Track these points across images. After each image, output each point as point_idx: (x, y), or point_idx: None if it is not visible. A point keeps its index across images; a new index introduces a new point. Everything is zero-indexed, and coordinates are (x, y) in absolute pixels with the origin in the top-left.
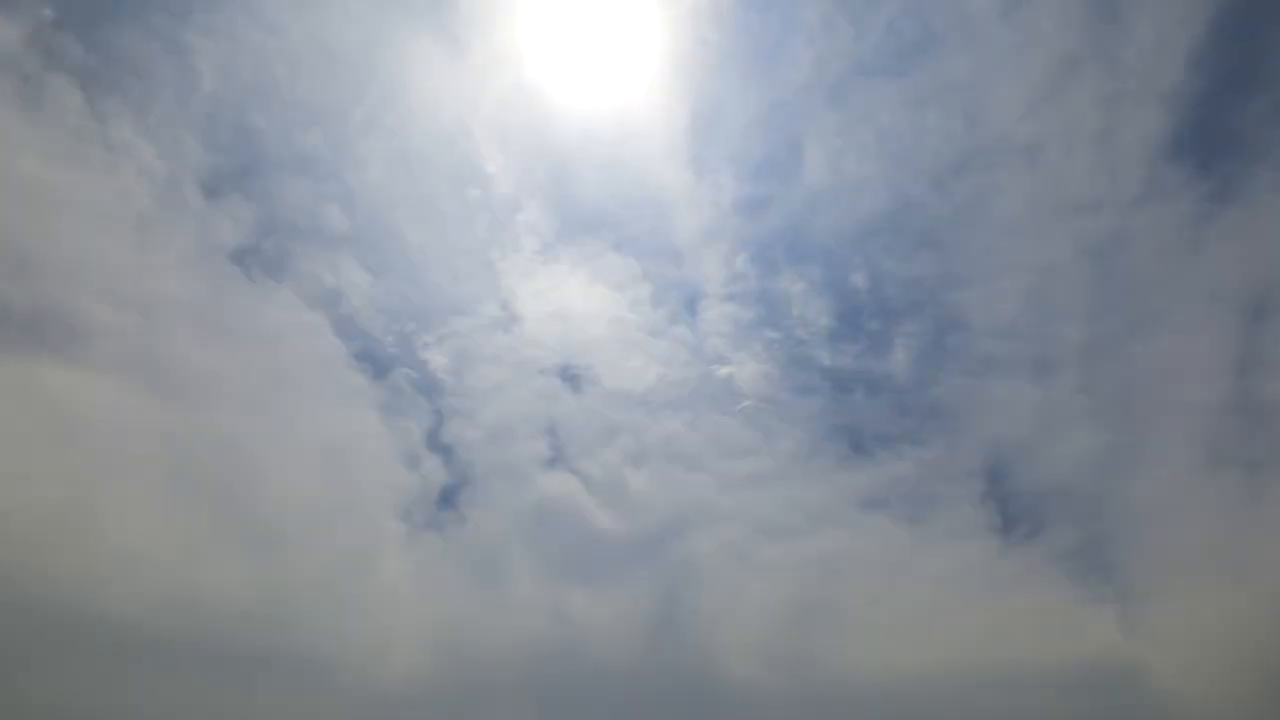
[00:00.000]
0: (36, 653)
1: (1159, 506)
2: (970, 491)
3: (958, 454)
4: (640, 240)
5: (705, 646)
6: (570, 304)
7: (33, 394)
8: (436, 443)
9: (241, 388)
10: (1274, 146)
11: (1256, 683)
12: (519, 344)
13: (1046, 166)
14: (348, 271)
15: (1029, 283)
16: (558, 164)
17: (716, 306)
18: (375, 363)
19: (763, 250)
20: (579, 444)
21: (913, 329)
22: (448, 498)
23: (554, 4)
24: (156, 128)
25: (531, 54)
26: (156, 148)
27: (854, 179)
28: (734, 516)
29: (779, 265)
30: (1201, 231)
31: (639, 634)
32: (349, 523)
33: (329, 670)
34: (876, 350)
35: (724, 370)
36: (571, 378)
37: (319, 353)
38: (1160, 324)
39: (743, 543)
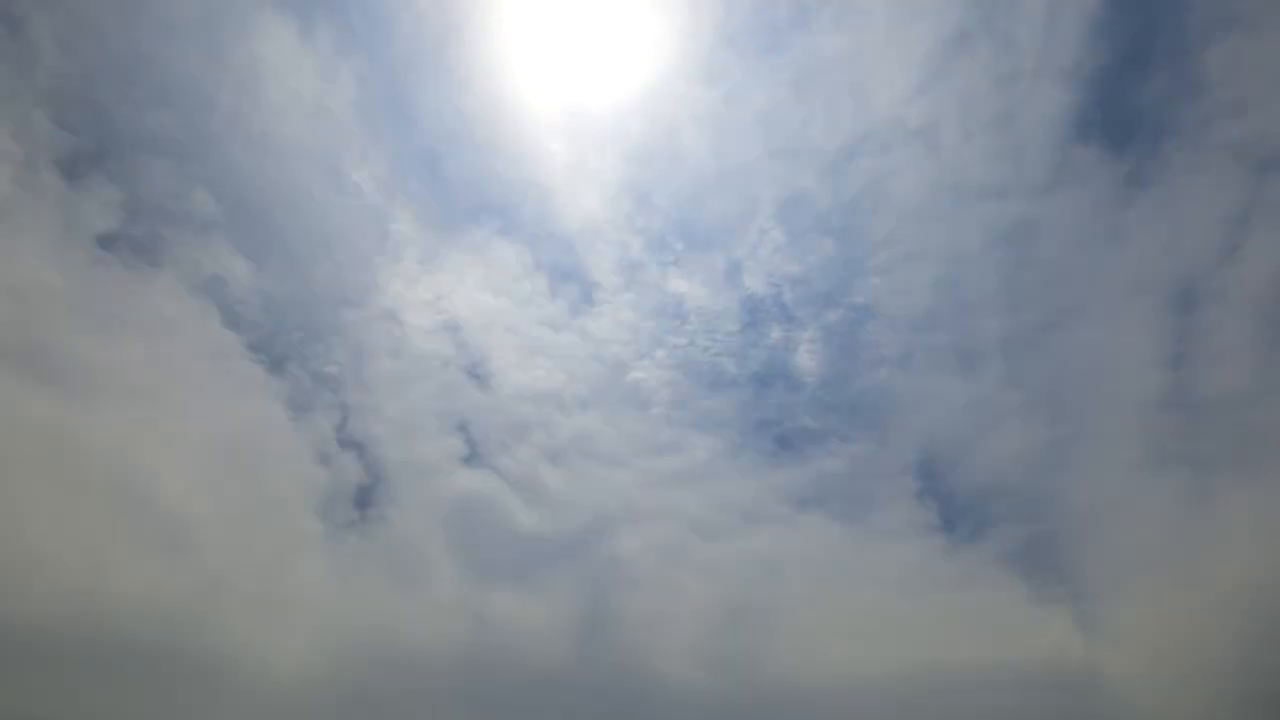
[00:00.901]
0: None
1: (1106, 506)
2: (905, 489)
3: (889, 450)
4: (526, 226)
5: (640, 648)
6: (464, 295)
7: None
8: (347, 439)
9: (132, 379)
10: (1184, 124)
11: (1211, 682)
12: (416, 337)
13: (944, 150)
14: (226, 258)
15: (939, 272)
16: (428, 151)
17: (617, 298)
18: (271, 355)
19: (656, 237)
20: (493, 441)
21: (822, 320)
22: (365, 495)
23: None
24: (3, 106)
25: (387, 37)
26: (7, 128)
27: (738, 162)
28: (663, 515)
29: (675, 253)
30: (1120, 218)
31: (570, 635)
32: (264, 521)
33: (244, 673)
34: (789, 340)
35: (631, 364)
36: (475, 373)
37: (211, 344)
38: (1085, 316)
39: (675, 542)
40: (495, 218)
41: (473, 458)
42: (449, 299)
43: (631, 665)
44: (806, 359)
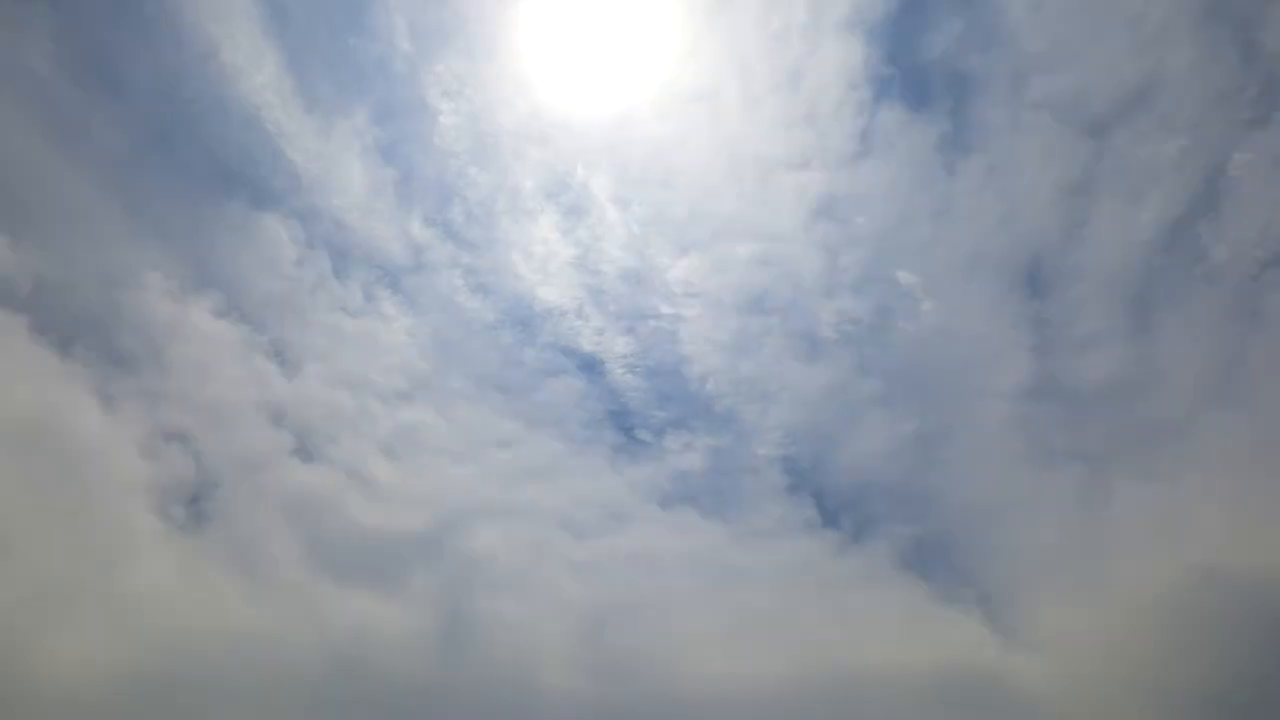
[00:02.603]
0: None
1: (998, 504)
2: (775, 484)
3: (748, 444)
4: (287, 200)
5: (513, 653)
6: (242, 276)
7: None
8: (167, 430)
9: None
10: (992, 80)
11: (1124, 685)
12: (202, 320)
13: (730, 117)
14: None
15: (756, 251)
16: (152, 114)
17: (419, 278)
18: (59, 337)
19: (436, 209)
20: (319, 433)
21: (639, 303)
22: (200, 491)
23: None
24: None
25: None
26: None
27: (496, 131)
28: (522, 511)
29: (460, 228)
30: (946, 188)
31: (436, 638)
32: (94, 520)
33: (82, 682)
34: (612, 325)
35: (446, 354)
36: (279, 360)
37: None
38: (928, 296)
39: (541, 540)
40: (247, 189)
41: (303, 451)
42: (226, 279)
43: (505, 671)
44: (632, 346)
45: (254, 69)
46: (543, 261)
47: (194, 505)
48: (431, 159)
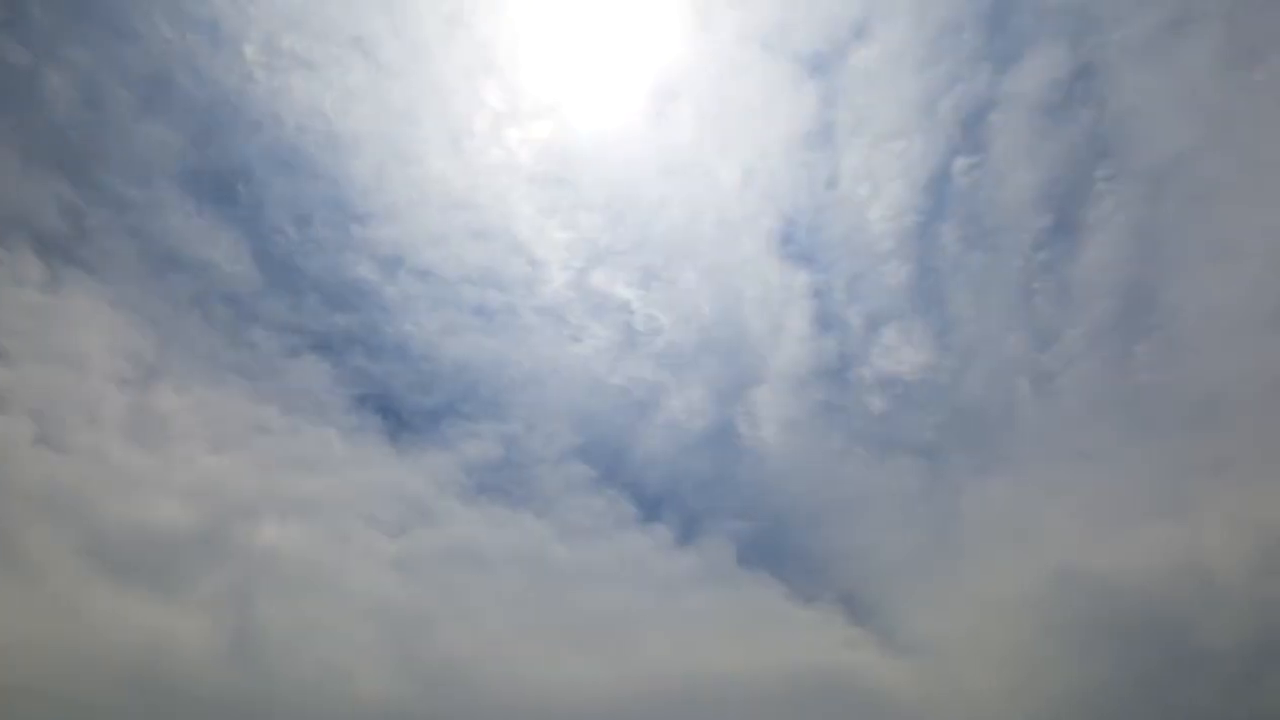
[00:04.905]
0: None
1: (837, 499)
2: (582, 477)
3: (540, 431)
4: None
5: (323, 659)
6: None
7: None
8: None
9: None
10: (717, 22)
11: (985, 687)
12: None
13: (395, 70)
14: None
15: (471, 219)
16: None
17: (90, 246)
18: None
19: (76, 169)
20: (59, 420)
21: (350, 273)
22: None
23: None
24: None
25: None
26: None
27: (108, 87)
28: (311, 505)
29: (112, 189)
30: (668, 139)
31: (234, 646)
32: None
33: None
34: (331, 300)
35: (158, 328)
36: None
37: None
38: (678, 265)
39: (342, 536)
40: None
41: (46, 440)
42: None
43: (314, 678)
44: (363, 324)
45: None
46: (217, 237)
47: None
48: (46, 105)
